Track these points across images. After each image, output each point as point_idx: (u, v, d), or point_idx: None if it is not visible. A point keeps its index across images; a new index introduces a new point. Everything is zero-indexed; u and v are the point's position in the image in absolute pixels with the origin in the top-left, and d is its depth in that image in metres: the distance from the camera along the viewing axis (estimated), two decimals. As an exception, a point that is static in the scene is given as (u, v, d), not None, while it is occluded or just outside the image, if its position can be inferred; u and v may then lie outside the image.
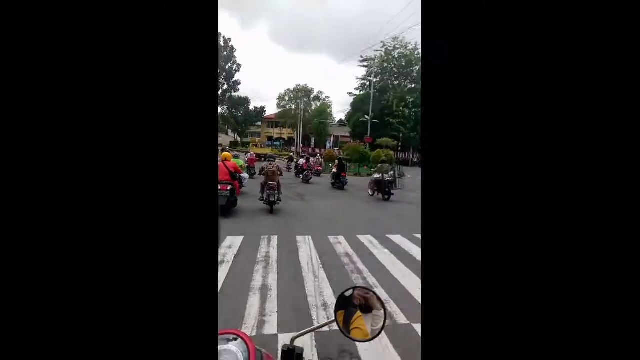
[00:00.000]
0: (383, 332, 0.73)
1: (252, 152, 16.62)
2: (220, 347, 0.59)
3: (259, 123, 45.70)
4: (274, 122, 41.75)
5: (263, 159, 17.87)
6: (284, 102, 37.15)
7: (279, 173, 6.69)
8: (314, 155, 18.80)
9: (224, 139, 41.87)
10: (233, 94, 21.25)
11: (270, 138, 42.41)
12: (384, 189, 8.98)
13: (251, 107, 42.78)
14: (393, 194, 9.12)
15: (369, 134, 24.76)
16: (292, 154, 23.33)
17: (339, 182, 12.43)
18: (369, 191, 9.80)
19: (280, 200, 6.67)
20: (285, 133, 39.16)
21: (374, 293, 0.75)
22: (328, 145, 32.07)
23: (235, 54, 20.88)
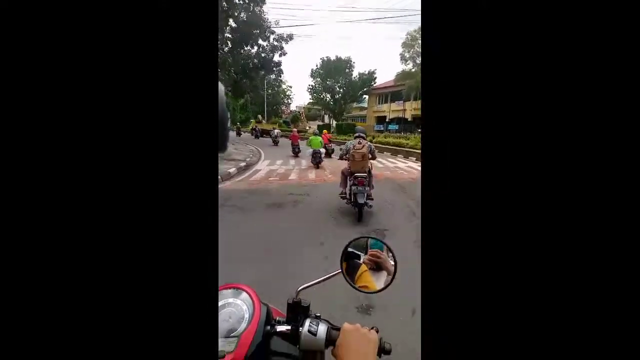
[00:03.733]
0: None
1: (295, 130, 14.79)
2: (225, 300, 0.61)
3: (364, 104, 31.53)
4: (389, 93, 26.53)
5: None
6: (411, 51, 21.55)
7: (370, 157, 3.89)
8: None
9: (314, 127, 29.30)
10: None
11: (381, 119, 27.25)
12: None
13: (354, 73, 28.79)
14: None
15: None
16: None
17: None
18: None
19: (372, 199, 3.93)
20: (410, 109, 23.41)
21: (387, 246, 0.67)
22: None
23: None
